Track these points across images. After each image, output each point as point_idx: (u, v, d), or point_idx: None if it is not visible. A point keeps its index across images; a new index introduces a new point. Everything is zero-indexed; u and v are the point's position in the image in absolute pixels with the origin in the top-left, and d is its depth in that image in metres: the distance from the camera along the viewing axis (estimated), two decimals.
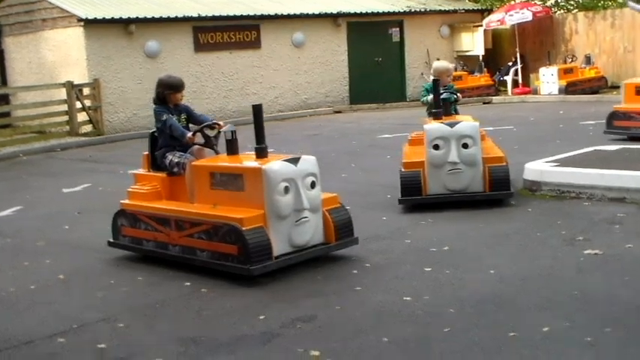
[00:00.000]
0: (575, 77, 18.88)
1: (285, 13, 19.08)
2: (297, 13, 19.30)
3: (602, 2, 25.44)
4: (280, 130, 16.03)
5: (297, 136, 14.72)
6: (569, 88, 18.41)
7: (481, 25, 21.00)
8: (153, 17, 17.24)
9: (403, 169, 7.25)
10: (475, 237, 6.19)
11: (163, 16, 17.39)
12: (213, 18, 17.96)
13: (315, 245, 5.57)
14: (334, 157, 11.10)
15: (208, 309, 4.89)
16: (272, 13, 18.88)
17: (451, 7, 22.06)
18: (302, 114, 19.08)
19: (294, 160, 5.48)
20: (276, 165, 5.39)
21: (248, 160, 5.71)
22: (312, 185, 5.52)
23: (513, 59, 20.48)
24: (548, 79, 18.77)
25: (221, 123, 6.30)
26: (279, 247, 5.35)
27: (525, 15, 19.95)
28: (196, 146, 6.24)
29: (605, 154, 8.11)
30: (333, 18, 19.88)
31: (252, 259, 5.16)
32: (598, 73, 19.33)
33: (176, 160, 6.18)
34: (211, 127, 6.23)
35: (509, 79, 20.17)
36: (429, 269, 5.37)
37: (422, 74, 20.70)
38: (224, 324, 4.59)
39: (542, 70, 19.05)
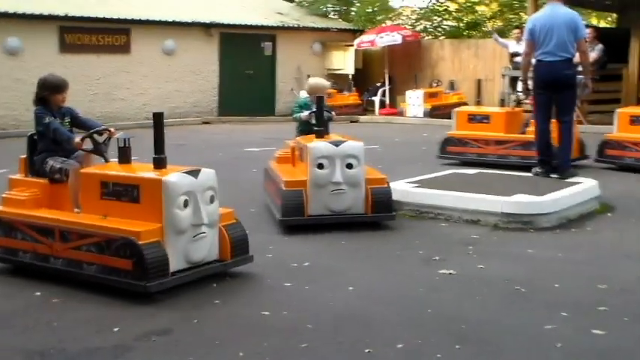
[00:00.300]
0: (440, 101, 19.55)
1: (156, 19, 18.78)
2: (169, 19, 19.05)
3: (466, 32, 26.55)
4: (146, 139, 15.70)
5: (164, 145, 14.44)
6: (434, 112, 19.04)
7: (352, 45, 21.41)
8: (15, 13, 16.53)
9: (284, 188, 6.92)
10: (335, 254, 6.25)
11: (27, 13, 16.70)
12: (81, 19, 17.45)
13: (209, 262, 5.33)
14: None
15: (59, 320, 4.68)
16: (143, 18, 18.54)
17: (324, 25, 22.40)
18: (170, 123, 18.61)
19: (194, 173, 5.23)
20: (176, 177, 5.13)
21: (145, 170, 5.41)
22: (211, 200, 5.31)
23: (382, 80, 20.99)
24: (414, 102, 19.34)
25: (112, 129, 5.96)
26: (175, 263, 5.07)
27: (395, 38, 20.52)
28: (82, 152, 5.89)
29: (464, 177, 8.40)
30: (206, 27, 19.75)
31: (149, 276, 4.87)
32: (461, 99, 20.10)
33: (58, 166, 5.80)
34: (101, 132, 5.88)
35: (376, 99, 20.65)
36: (289, 284, 5.37)
37: (292, 89, 20.87)
38: (75, 336, 4.40)
39: (409, 93, 19.62)
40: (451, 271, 5.63)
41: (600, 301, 4.90)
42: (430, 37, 26.17)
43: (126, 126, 18.06)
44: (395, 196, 7.56)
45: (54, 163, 5.85)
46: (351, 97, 20.55)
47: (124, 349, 4.20)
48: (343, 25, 23.93)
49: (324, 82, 8.41)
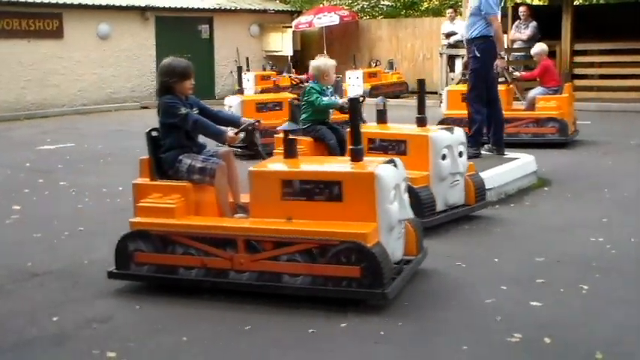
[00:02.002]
0: (379, 81, 19.62)
1: (89, 3, 18.39)
2: (103, 3, 18.68)
3: (404, 11, 26.68)
4: (83, 125, 15.42)
5: (102, 131, 14.23)
6: (373, 92, 19.09)
7: (290, 26, 21.33)
8: None
9: (415, 186, 5.84)
10: None
11: None
12: (9, 3, 16.99)
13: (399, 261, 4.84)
14: (139, 152, 10.78)
15: None
16: (75, 2, 18.13)
17: (261, 7, 22.25)
18: (107, 108, 18.49)
19: (394, 163, 4.78)
20: (385, 169, 4.60)
21: (340, 164, 4.92)
22: (404, 191, 4.86)
23: None
24: (353, 82, 19.35)
25: (261, 121, 5.28)
26: None
27: (333, 18, 20.51)
28: (224, 148, 5.21)
29: None
30: (141, 11, 19.42)
31: (384, 281, 4.36)
32: (400, 78, 20.21)
33: (199, 166, 4.99)
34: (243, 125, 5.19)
35: None
36: None
37: (231, 72, 20.72)
38: (11, 328, 4.30)
39: (349, 73, 19.63)
40: None
41: (538, 274, 4.99)
42: (368, 17, 26.23)
43: (62, 112, 17.75)
44: None
45: (193, 161, 5.03)
46: (289, 79, 20.46)
47: (64, 338, 4.12)
48: (281, 6, 23.82)
49: (331, 61, 7.26)
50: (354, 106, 4.83)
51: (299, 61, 21.48)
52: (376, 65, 20.45)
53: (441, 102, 17.38)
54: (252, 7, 21.88)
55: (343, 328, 4.18)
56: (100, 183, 8.69)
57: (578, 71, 16.56)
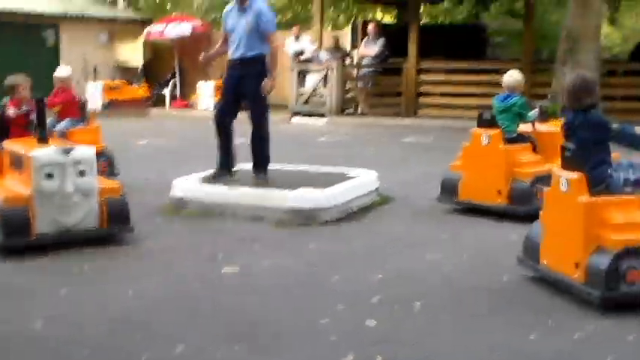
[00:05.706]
0: None
1: None
2: None
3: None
4: None
5: None
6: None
7: (141, 36, 20.92)
8: None
9: None
10: (114, 258, 6.07)
11: None
12: None
13: None
14: None
15: None
16: None
17: (111, 14, 21.70)
18: None
19: None
20: None
21: None
22: None
23: (172, 72, 20.67)
24: (205, 93, 19.25)
25: None
26: None
27: (184, 29, 20.16)
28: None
29: (249, 173, 8.32)
30: None
31: None
32: None
33: (633, 178, 5.14)
34: None
35: (167, 92, 20.31)
36: (66, 290, 5.15)
37: (77, 82, 20.06)
38: None
39: (200, 84, 19.48)
40: (235, 269, 5.66)
41: (375, 291, 5.11)
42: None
43: None
44: (179, 194, 7.49)
45: (624, 174, 5.15)
46: (140, 90, 20.08)
47: None
48: (131, 15, 23.31)
49: (521, 76, 7.70)
50: None
51: (150, 71, 21.09)
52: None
53: (291, 117, 17.60)
54: (101, 15, 21.28)
55: (180, 351, 4.11)
56: None
57: (423, 89, 17.18)
